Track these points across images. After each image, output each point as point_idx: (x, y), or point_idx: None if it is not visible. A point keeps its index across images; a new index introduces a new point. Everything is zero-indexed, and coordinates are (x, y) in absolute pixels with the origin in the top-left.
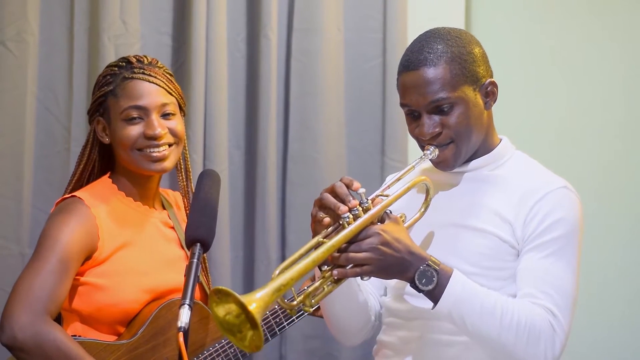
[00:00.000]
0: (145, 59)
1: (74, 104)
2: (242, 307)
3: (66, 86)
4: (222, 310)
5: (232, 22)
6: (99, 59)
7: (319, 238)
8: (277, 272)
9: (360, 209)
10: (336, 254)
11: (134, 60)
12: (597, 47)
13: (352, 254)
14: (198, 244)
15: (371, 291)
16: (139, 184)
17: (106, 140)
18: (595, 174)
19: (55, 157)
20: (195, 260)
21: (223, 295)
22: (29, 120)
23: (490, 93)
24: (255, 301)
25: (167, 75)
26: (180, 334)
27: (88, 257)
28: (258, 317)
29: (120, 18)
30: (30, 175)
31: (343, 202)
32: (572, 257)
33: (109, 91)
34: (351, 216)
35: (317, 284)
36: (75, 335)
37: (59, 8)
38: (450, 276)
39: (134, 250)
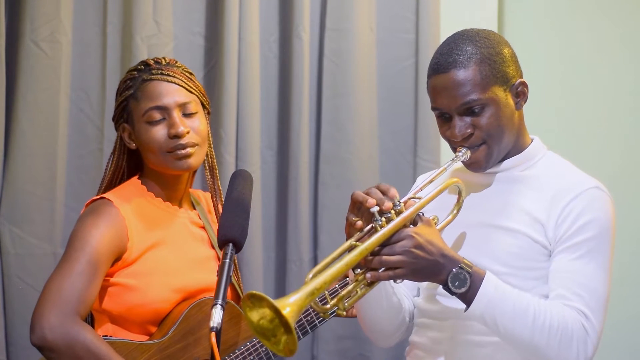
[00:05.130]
0: (163, 60)
1: (107, 104)
2: (276, 312)
3: (99, 86)
4: (256, 315)
5: (265, 22)
6: (132, 59)
7: (352, 241)
8: (310, 275)
9: (393, 211)
10: (369, 257)
11: (152, 62)
12: (633, 47)
13: (385, 257)
14: (230, 244)
15: (405, 292)
16: (167, 184)
17: (133, 146)
18: (624, 175)
19: (88, 157)
20: (227, 260)
21: (256, 300)
22: (62, 121)
23: (520, 93)
24: (289, 305)
25: (186, 73)
26: (213, 334)
27: (118, 258)
28: (292, 322)
29: (153, 18)
30: (63, 175)
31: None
32: (604, 259)
33: (129, 95)
34: (384, 219)
35: (350, 287)
36: (105, 336)
37: (92, 9)
38: (482, 278)
39: (163, 250)
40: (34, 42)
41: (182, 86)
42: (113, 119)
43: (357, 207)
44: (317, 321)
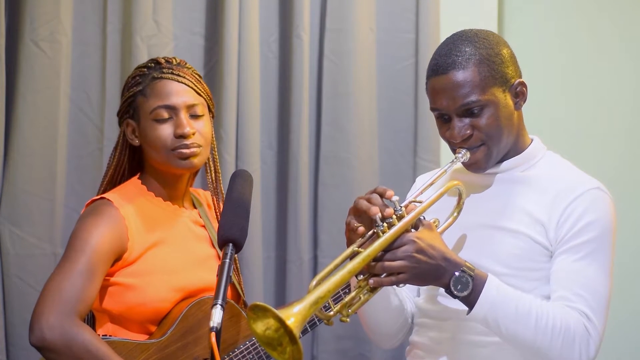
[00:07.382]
0: (174, 60)
1: (107, 104)
2: (281, 322)
3: (99, 87)
4: (261, 326)
5: (265, 22)
6: (132, 60)
7: (354, 247)
8: (313, 283)
9: (395, 216)
10: (372, 263)
11: (162, 61)
12: (633, 47)
13: (387, 263)
14: (230, 244)
15: (407, 294)
16: (168, 184)
17: (136, 142)
18: (624, 174)
19: (88, 157)
20: (227, 260)
21: (260, 311)
22: (62, 121)
23: (519, 93)
24: (293, 315)
25: (196, 75)
26: (213, 334)
27: (118, 258)
28: (297, 332)
29: (152, 18)
30: (63, 176)
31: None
32: (605, 259)
33: (138, 91)
34: (385, 224)
35: (353, 293)
36: (105, 335)
37: (92, 8)
38: (485, 281)
39: (164, 250)
40: (34, 42)
41: (191, 87)
42: (118, 114)
43: (358, 211)
44: (316, 319)
